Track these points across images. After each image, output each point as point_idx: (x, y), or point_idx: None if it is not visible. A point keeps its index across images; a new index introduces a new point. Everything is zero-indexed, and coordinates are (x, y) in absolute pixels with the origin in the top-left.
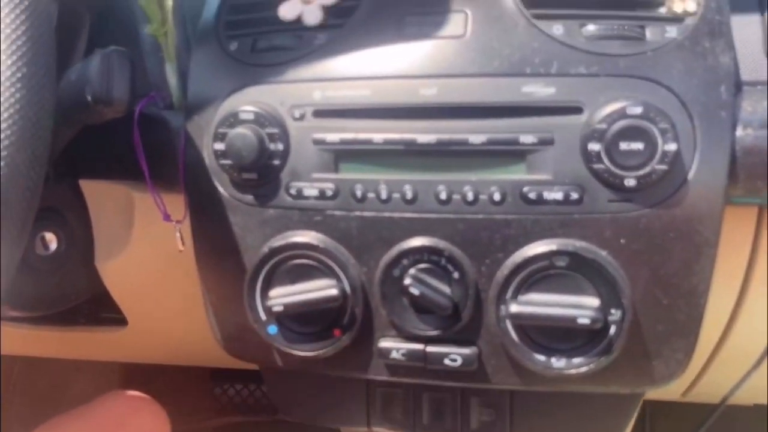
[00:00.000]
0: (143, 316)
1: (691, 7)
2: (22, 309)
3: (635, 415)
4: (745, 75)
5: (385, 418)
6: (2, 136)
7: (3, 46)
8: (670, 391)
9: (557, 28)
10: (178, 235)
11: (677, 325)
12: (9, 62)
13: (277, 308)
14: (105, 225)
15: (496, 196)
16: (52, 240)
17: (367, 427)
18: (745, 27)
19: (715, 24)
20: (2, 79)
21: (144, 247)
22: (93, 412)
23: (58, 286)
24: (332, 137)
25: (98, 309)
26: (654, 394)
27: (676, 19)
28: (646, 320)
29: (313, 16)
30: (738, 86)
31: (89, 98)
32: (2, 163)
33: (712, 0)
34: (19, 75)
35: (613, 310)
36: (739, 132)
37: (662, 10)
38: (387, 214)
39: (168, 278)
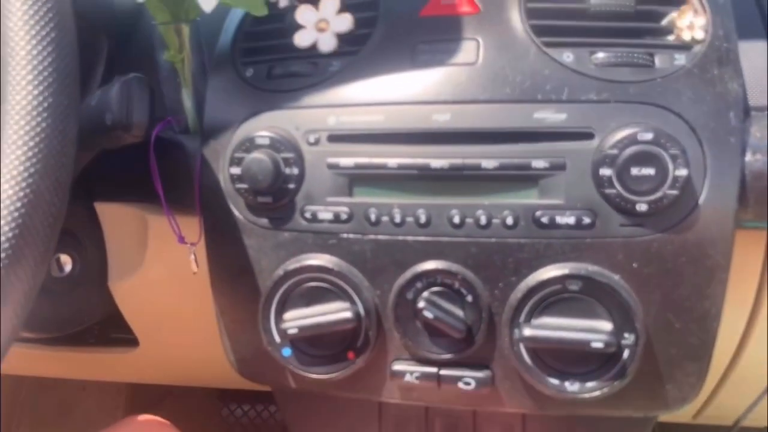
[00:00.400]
0: (155, 338)
1: (699, 35)
2: (36, 331)
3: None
4: (753, 100)
5: None
6: (28, 164)
7: (30, 77)
8: (682, 413)
9: (567, 56)
10: (192, 257)
11: (690, 348)
12: (36, 92)
13: (292, 331)
14: (119, 246)
15: (509, 220)
16: (67, 262)
17: None
18: (751, 53)
19: (723, 51)
20: (29, 108)
21: (157, 268)
22: None
23: (72, 308)
24: (346, 161)
25: (108, 329)
26: (665, 416)
27: (684, 46)
28: (659, 344)
29: (327, 43)
30: (746, 112)
31: (109, 123)
32: (28, 191)
33: (720, 28)
34: (45, 105)
35: (626, 334)
36: (749, 157)
37: (671, 38)
38: (401, 238)
39: (181, 300)
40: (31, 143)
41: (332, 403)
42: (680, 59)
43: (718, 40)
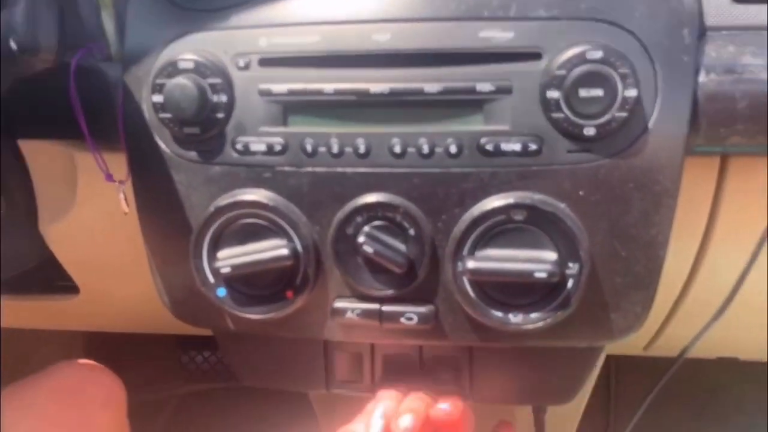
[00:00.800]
0: (94, 283)
1: None
2: None
3: (597, 368)
4: (710, 20)
5: (344, 380)
6: None
7: None
8: (632, 345)
9: None
10: (121, 196)
11: (636, 277)
12: None
13: (225, 270)
14: (47, 187)
15: (453, 149)
16: None
17: (326, 390)
18: None
19: None
20: None
21: (89, 209)
22: (45, 380)
23: (2, 252)
24: (279, 88)
25: (52, 277)
26: (617, 348)
27: None
28: (604, 273)
29: None
30: (702, 31)
31: (14, 47)
32: None
33: None
34: None
35: (570, 264)
36: (702, 78)
37: None
38: (339, 170)
39: (115, 242)
40: None
41: (276, 345)
42: None
43: None
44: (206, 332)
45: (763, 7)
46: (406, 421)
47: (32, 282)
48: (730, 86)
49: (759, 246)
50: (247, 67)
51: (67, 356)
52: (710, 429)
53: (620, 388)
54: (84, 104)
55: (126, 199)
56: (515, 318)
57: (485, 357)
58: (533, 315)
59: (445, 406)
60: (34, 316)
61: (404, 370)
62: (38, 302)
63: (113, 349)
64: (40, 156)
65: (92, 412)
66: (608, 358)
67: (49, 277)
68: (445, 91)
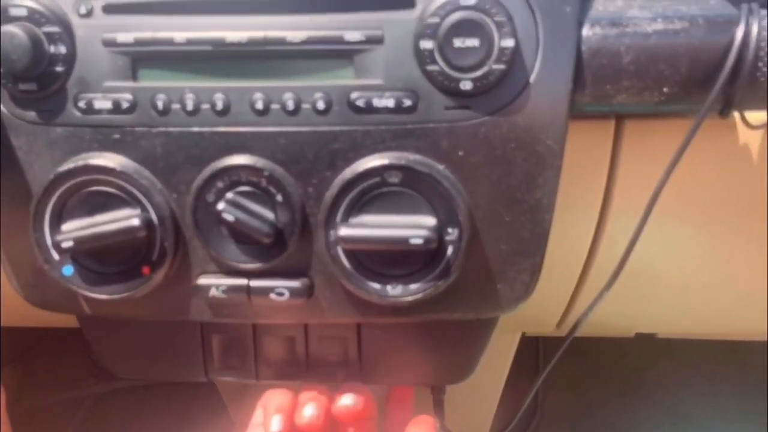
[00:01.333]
0: None
1: None
2: None
3: (487, 342)
4: None
5: (225, 367)
6: None
7: None
8: (544, 323)
9: None
10: None
11: (521, 243)
12: None
13: (67, 244)
14: None
15: (321, 105)
16: None
17: (206, 378)
18: None
19: None
20: None
21: None
22: None
23: None
24: (125, 37)
25: None
26: (529, 327)
27: None
28: (487, 240)
29: None
30: None
31: None
32: None
33: None
34: None
35: (449, 230)
36: (586, 31)
37: None
38: (196, 129)
39: None
40: None
41: (146, 330)
42: None
43: None
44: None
45: None
46: (309, 410)
47: None
48: (614, 40)
49: (647, 212)
50: (89, 14)
51: None
52: (636, 407)
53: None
54: None
55: None
56: (394, 290)
57: (373, 336)
58: (412, 286)
59: (347, 401)
60: None
61: (290, 354)
62: None
63: (24, 346)
64: None
65: None
66: (537, 340)
67: None
68: (310, 41)
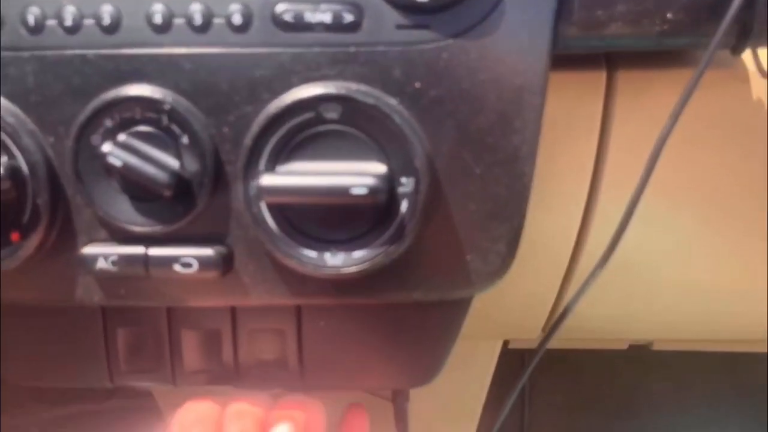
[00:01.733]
0: None
1: None
2: None
3: (456, 333)
4: None
5: (134, 370)
6: None
7: None
8: (527, 327)
9: None
10: None
11: (496, 203)
12: None
13: None
14: None
15: (237, 19)
16: None
17: (110, 383)
18: None
19: None
20: None
21: None
22: None
23: None
24: None
25: None
26: (511, 333)
27: None
28: (452, 196)
29: None
30: None
31: None
32: None
33: None
34: None
35: (403, 179)
36: None
37: None
38: (78, 52)
39: None
40: None
41: (38, 322)
42: None
43: None
44: None
45: None
46: (236, 428)
47: None
48: None
49: (642, 182)
50: None
51: None
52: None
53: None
54: None
55: None
56: (333, 258)
57: (317, 328)
58: (357, 253)
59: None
60: None
61: (214, 353)
62: None
63: None
64: None
65: None
66: (522, 354)
67: None
68: None
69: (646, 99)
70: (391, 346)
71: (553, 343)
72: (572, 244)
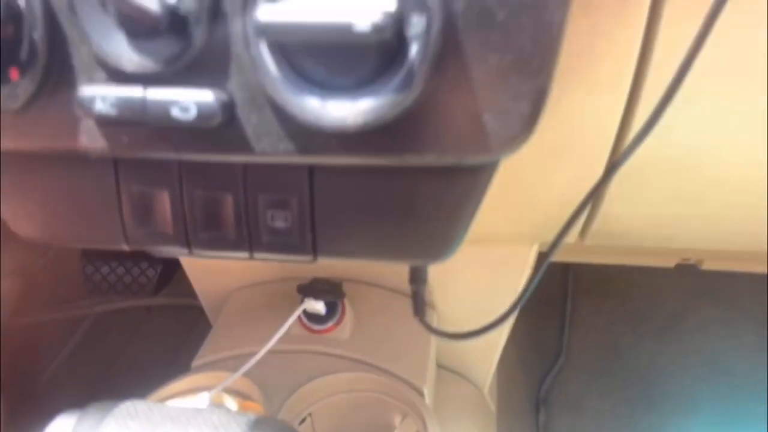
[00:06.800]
0: None
1: None
2: None
3: (477, 205)
4: None
5: (148, 232)
6: None
7: None
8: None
9: None
10: None
11: (520, 54)
12: None
13: None
14: None
15: None
16: None
17: (126, 245)
18: None
19: None
20: None
21: None
22: None
23: None
24: None
25: None
26: (548, 236)
27: None
28: (469, 45)
29: None
30: None
31: None
32: None
33: None
34: None
35: (414, 18)
36: None
37: None
38: None
39: None
40: None
41: (54, 178)
42: None
43: None
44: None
45: None
46: None
47: None
48: None
49: (692, 53)
50: None
51: None
52: (672, 355)
53: (577, 311)
54: None
55: None
56: (337, 108)
57: (330, 194)
58: (362, 102)
59: None
60: None
61: (226, 217)
62: None
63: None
64: None
65: None
66: (565, 268)
67: None
68: None
69: None
70: (406, 215)
71: (599, 258)
72: (614, 133)
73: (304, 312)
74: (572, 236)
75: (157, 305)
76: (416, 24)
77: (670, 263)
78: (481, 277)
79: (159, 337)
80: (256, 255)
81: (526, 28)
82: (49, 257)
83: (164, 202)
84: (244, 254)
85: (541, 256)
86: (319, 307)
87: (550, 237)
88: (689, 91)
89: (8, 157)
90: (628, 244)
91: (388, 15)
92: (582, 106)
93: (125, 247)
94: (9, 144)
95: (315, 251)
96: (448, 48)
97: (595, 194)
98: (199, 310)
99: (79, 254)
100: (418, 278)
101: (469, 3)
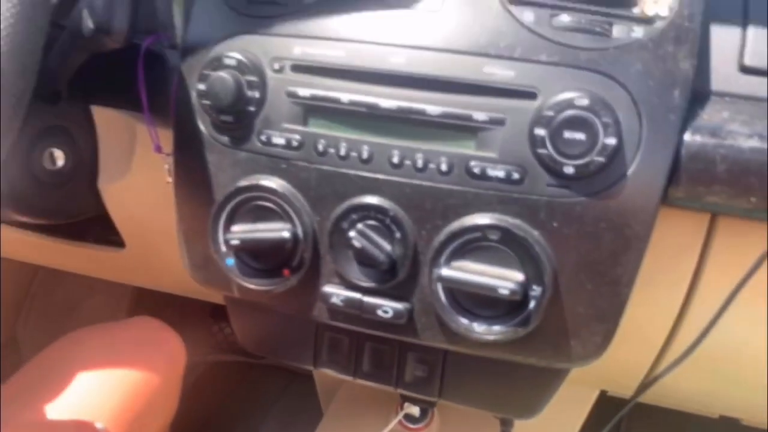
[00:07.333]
0: (139, 240)
1: (663, 11)
2: (27, 214)
3: (556, 388)
4: (715, 85)
5: (330, 361)
6: None
7: None
8: (622, 385)
9: (528, 15)
10: (166, 167)
11: (598, 310)
12: None
13: (235, 242)
14: (110, 150)
15: (444, 167)
16: (60, 157)
17: (313, 367)
18: (724, 37)
19: (683, 30)
20: None
21: (142, 175)
22: (121, 330)
23: (61, 200)
24: (304, 92)
25: (108, 232)
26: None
27: (645, 20)
28: (568, 301)
29: None
30: (698, 93)
31: (91, 26)
32: None
33: (686, 7)
34: None
35: (535, 287)
36: (687, 137)
37: (635, 10)
38: (343, 171)
39: (160, 207)
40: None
41: (275, 319)
42: (638, 32)
43: (681, 19)
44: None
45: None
46: None
47: (85, 231)
48: (712, 149)
49: (730, 297)
50: (280, 70)
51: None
52: None
53: None
54: (147, 83)
55: (170, 171)
56: (479, 327)
57: (457, 361)
58: (495, 327)
59: None
60: (85, 263)
61: (385, 363)
62: (89, 250)
63: (155, 308)
64: (107, 122)
65: (155, 369)
66: (618, 402)
67: (105, 232)
68: (445, 115)
69: (742, 239)
70: (509, 385)
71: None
72: (670, 324)
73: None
74: (630, 390)
75: (265, 364)
76: (535, 290)
77: (715, 415)
78: (551, 408)
79: (261, 392)
80: (399, 389)
81: (604, 295)
82: (176, 307)
83: (345, 345)
84: (391, 387)
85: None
86: (415, 410)
87: (610, 387)
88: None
89: (252, 304)
90: (678, 405)
91: (519, 284)
92: (646, 299)
93: (311, 368)
94: (267, 304)
95: (440, 395)
96: (553, 302)
97: (678, 362)
98: (303, 374)
99: (208, 312)
100: (507, 423)
101: (570, 279)
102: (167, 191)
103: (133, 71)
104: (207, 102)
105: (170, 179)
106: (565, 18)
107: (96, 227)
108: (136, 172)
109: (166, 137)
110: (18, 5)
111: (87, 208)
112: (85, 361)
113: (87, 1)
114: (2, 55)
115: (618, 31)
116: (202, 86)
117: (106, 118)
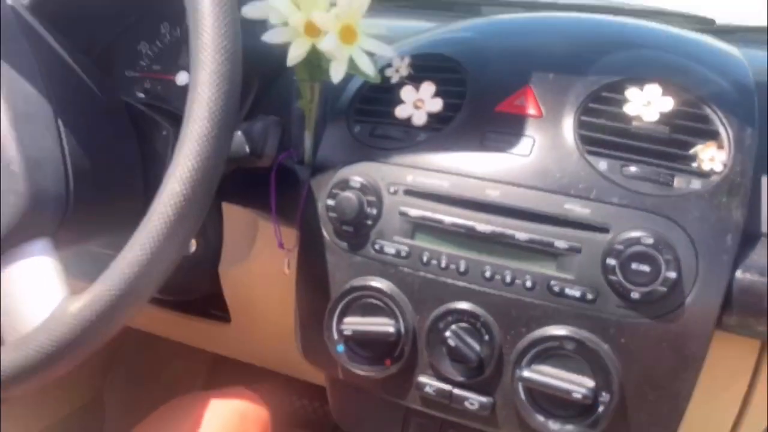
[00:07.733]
0: (245, 319)
1: (718, 167)
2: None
3: None
4: (765, 228)
5: None
6: (195, 176)
7: (206, 113)
8: None
9: (603, 164)
10: (286, 261)
11: (659, 417)
12: (208, 124)
13: (347, 332)
14: (233, 240)
15: (528, 284)
16: (193, 244)
17: None
18: None
19: (736, 185)
20: (201, 135)
21: (259, 264)
22: (219, 399)
23: (186, 280)
24: (414, 212)
25: (208, 305)
26: None
27: (703, 174)
28: (632, 407)
29: (420, 118)
30: (750, 235)
31: (247, 150)
32: (191, 192)
33: (738, 164)
34: (213, 134)
35: (604, 393)
36: (739, 274)
37: (693, 165)
38: (442, 279)
39: (271, 293)
40: (196, 161)
41: (368, 400)
42: (696, 184)
43: (734, 175)
44: (308, 378)
45: None
46: None
47: (194, 306)
48: (761, 286)
49: None
50: (395, 193)
51: (194, 373)
52: None
53: None
54: (277, 189)
55: (288, 264)
56: (553, 425)
57: None
58: (568, 427)
59: None
60: (190, 334)
61: None
62: (197, 323)
63: (231, 378)
64: (235, 217)
65: None
66: None
67: (205, 305)
68: (531, 241)
69: None
70: None
71: None
72: None
73: None
74: None
75: None
76: (604, 397)
77: None
78: None
79: None
80: None
81: (664, 404)
82: (249, 377)
83: (430, 431)
84: None
85: None
86: None
87: None
88: None
89: (353, 385)
90: None
91: (590, 390)
92: (695, 427)
93: None
94: (366, 387)
95: None
96: (620, 408)
97: None
98: None
99: (290, 391)
100: None
101: (635, 388)
102: (278, 279)
103: (265, 177)
104: (333, 215)
105: (287, 270)
106: (633, 168)
107: (199, 302)
108: (254, 261)
109: (285, 235)
110: (213, 142)
111: (205, 288)
112: (192, 428)
113: (245, 127)
114: (197, 183)
115: (678, 181)
116: (330, 201)
117: (233, 213)
